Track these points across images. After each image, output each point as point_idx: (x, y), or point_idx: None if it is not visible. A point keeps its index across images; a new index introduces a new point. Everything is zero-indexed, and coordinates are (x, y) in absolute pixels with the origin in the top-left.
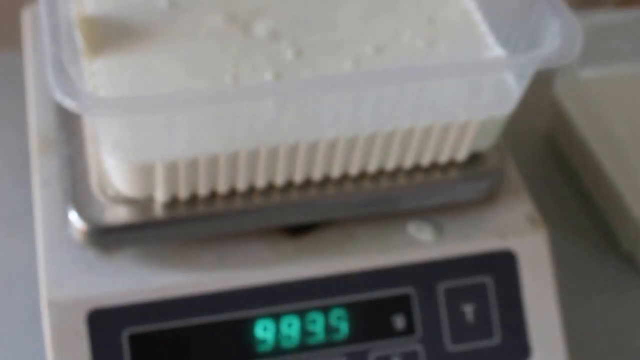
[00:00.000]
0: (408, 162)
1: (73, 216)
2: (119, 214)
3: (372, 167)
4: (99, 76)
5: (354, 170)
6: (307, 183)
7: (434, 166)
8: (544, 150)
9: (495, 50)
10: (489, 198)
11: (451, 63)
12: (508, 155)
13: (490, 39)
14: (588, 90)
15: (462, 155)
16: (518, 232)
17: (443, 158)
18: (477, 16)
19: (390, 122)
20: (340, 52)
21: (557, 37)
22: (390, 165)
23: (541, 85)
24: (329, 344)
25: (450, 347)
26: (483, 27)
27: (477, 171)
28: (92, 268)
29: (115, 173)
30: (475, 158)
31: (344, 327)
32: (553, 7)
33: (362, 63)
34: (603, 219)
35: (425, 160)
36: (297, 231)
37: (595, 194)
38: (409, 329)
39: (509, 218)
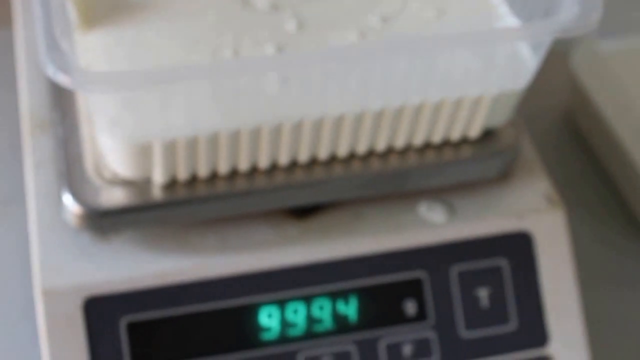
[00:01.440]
0: (418, 140)
1: (68, 199)
2: (115, 197)
3: (380, 145)
4: (93, 51)
5: (361, 148)
6: (313, 162)
7: (446, 144)
8: (561, 128)
9: (509, 20)
10: (503, 176)
11: (463, 33)
12: (524, 132)
13: (503, 8)
14: (607, 64)
15: (475, 132)
16: (534, 211)
17: (455, 135)
18: None
19: (399, 97)
20: (344, 23)
21: (575, 4)
22: (399, 142)
23: (558, 59)
24: (337, 331)
25: (464, 333)
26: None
27: (492, 148)
28: (88, 253)
29: (111, 153)
30: (489, 135)
31: (352, 314)
32: None
33: (367, 34)
34: (623, 199)
35: (437, 138)
36: (303, 213)
37: (615, 172)
38: (421, 315)
39: (525, 197)
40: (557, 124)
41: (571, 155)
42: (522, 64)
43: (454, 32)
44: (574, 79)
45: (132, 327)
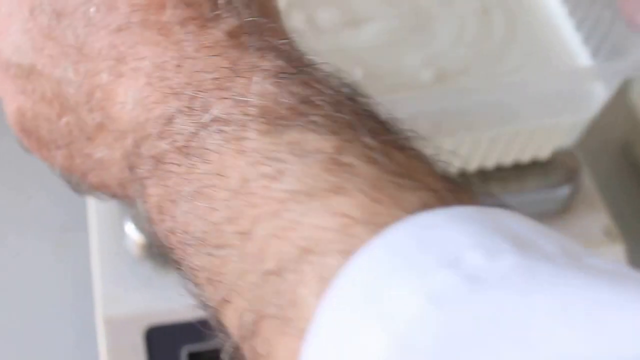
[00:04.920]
0: (490, 163)
1: (129, 228)
2: None
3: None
4: None
5: None
6: None
7: (507, 176)
8: (620, 160)
9: (581, 55)
10: (563, 210)
11: (542, 74)
12: (583, 166)
13: (575, 42)
14: None
15: (545, 154)
16: (594, 246)
17: (526, 157)
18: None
19: (477, 128)
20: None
21: None
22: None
23: (616, 91)
24: None
25: None
26: (566, 28)
27: (551, 182)
28: (149, 283)
29: None
30: (549, 167)
31: None
32: None
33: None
34: None
35: (508, 161)
36: None
37: None
38: None
39: (585, 231)
40: (616, 157)
41: (630, 188)
42: (594, 95)
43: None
44: (633, 111)
45: (194, 357)
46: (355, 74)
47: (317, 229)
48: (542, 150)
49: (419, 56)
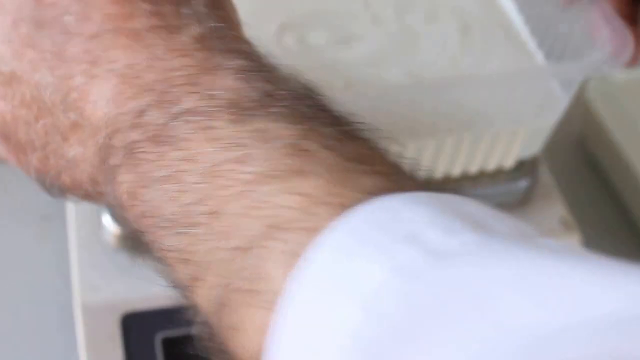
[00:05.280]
0: (456, 171)
1: (106, 219)
2: None
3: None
4: None
5: None
6: None
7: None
8: (575, 154)
9: (538, 58)
10: (522, 202)
11: (499, 72)
12: (541, 159)
13: (533, 50)
14: (620, 92)
15: (509, 163)
16: (552, 235)
17: (491, 166)
18: (518, 21)
19: (440, 132)
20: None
21: (606, 43)
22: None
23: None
24: None
25: None
26: (524, 33)
27: (511, 175)
28: (125, 271)
29: None
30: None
31: None
32: (602, 14)
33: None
34: (636, 223)
35: (474, 169)
36: None
37: (628, 198)
38: None
39: (542, 222)
40: (572, 150)
41: (585, 181)
42: (554, 101)
43: (488, 71)
44: (588, 107)
45: (168, 343)
46: (338, 86)
47: (280, 208)
48: (506, 158)
49: (402, 69)
